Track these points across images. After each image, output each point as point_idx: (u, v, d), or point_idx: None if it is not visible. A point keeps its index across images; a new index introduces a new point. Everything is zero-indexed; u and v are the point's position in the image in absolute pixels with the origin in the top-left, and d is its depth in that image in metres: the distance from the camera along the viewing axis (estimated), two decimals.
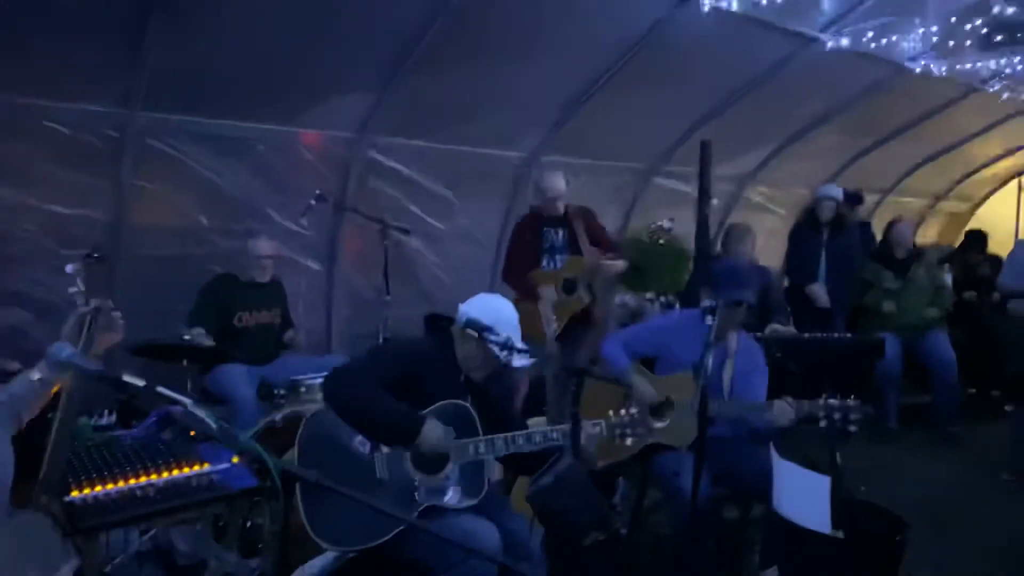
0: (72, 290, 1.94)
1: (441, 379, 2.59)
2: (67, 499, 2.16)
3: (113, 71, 3.75)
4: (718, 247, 5.62)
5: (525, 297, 4.45)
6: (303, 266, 5.07)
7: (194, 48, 3.75)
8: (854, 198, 6.35)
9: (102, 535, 2.30)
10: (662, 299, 6.32)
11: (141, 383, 1.53)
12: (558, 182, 4.46)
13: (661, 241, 6.08)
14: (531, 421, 3.73)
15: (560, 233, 4.54)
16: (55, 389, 1.84)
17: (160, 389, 1.52)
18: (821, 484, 2.29)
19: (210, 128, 4.29)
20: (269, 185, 4.69)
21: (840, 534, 2.40)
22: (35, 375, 1.81)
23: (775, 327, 4.75)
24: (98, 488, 2.25)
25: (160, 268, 4.41)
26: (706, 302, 3.29)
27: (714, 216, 6.19)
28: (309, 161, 4.79)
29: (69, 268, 1.97)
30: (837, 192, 5.83)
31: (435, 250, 5.51)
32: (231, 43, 3.83)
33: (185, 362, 3.67)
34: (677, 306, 5.95)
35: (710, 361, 2.95)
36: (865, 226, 6.91)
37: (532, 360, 2.57)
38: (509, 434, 2.54)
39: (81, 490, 2.22)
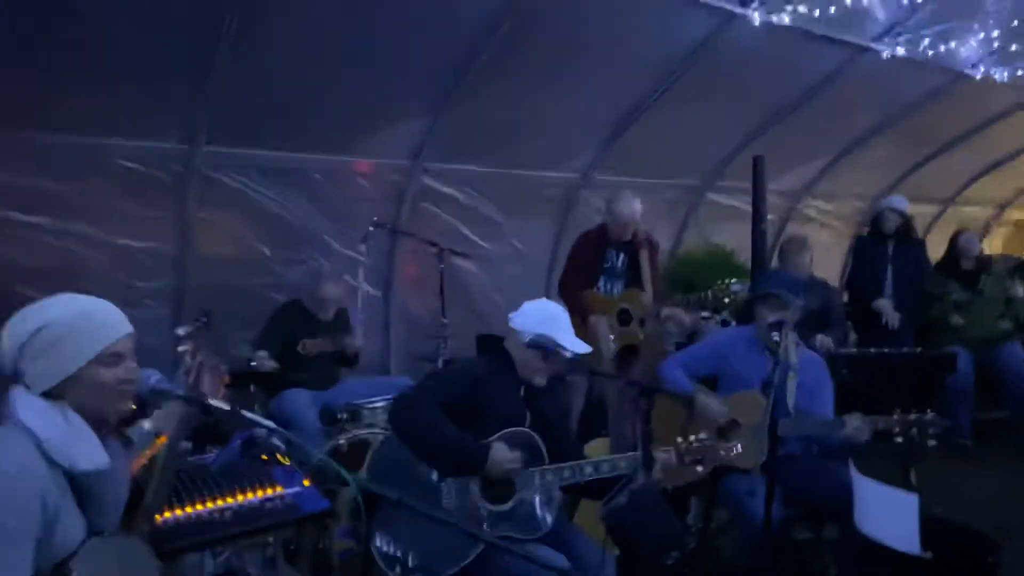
0: (181, 348, 2.07)
1: (502, 398, 2.60)
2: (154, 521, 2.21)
3: (177, 109, 3.90)
4: (775, 262, 5.52)
5: (575, 316, 4.42)
6: (362, 291, 5.15)
7: (252, 84, 3.87)
8: None
9: (181, 558, 2.34)
10: (718, 316, 6.22)
11: (226, 406, 1.57)
12: (633, 208, 4.34)
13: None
14: (591, 444, 3.70)
15: (622, 258, 4.45)
16: (162, 439, 1.93)
17: (245, 412, 1.55)
18: (909, 503, 2.20)
19: (269, 160, 4.42)
20: (326, 213, 4.79)
21: (929, 555, 2.30)
22: (147, 425, 1.97)
23: (822, 338, 4.57)
24: (178, 512, 2.29)
25: (224, 298, 4.51)
26: (772, 318, 3.25)
27: (770, 232, 6.09)
28: (364, 189, 4.90)
29: (180, 330, 2.11)
30: (903, 203, 5.67)
31: (488, 272, 5.55)
32: (286, 77, 3.95)
33: (252, 388, 3.75)
34: (733, 324, 5.84)
35: (772, 377, 2.89)
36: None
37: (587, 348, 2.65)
38: (576, 463, 2.52)
39: (163, 514, 2.27)
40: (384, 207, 4.93)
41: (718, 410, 3.24)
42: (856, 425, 2.92)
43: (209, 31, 3.52)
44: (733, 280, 4.25)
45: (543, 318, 2.64)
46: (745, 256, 6.02)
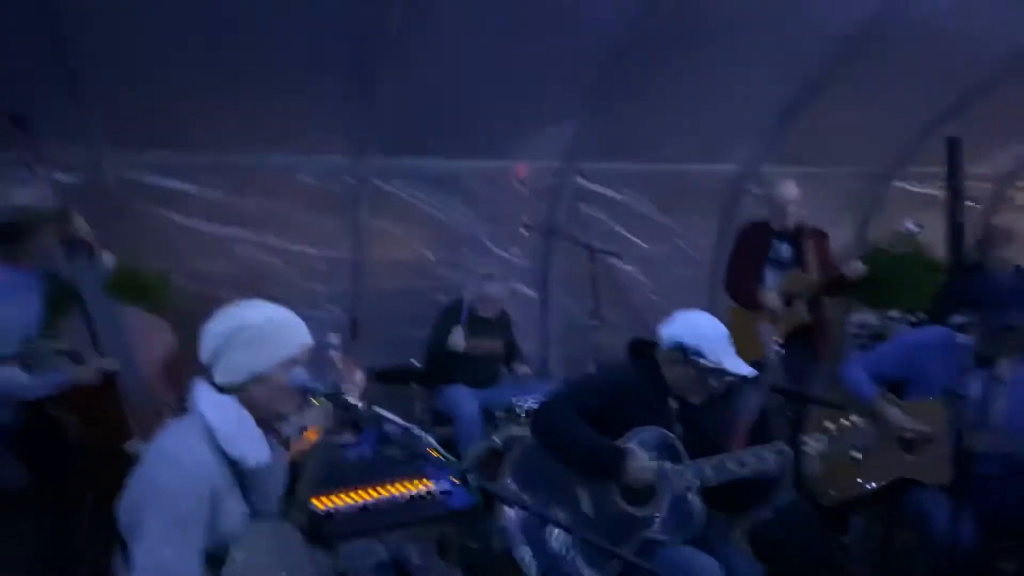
0: (331, 353, 2.25)
1: (648, 406, 2.48)
2: (310, 508, 2.40)
3: (346, 126, 4.21)
4: (974, 255, 4.90)
5: (745, 307, 4.25)
6: (518, 293, 5.25)
7: (412, 97, 4.09)
8: None
9: (341, 544, 2.52)
10: (911, 317, 5.63)
11: (362, 404, 1.66)
12: (789, 189, 4.28)
13: (904, 250, 5.39)
14: None
15: (788, 247, 4.29)
16: (310, 433, 2.09)
17: (378, 410, 1.63)
18: None
19: (429, 168, 4.64)
20: (482, 217, 4.94)
21: None
22: (297, 421, 2.08)
23: None
24: (338, 501, 2.47)
25: (394, 300, 4.81)
26: (958, 318, 2.89)
27: (971, 221, 5.43)
28: (519, 191, 4.98)
29: (332, 338, 2.33)
30: None
31: (647, 272, 5.43)
32: (440, 86, 4.12)
33: (414, 384, 3.94)
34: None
35: (972, 387, 2.55)
36: None
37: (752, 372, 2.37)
38: (716, 457, 2.35)
39: (321, 501, 2.45)
40: (539, 208, 4.99)
41: (903, 419, 2.93)
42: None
43: (367, 57, 3.78)
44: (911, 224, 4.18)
45: (698, 334, 2.43)
46: (941, 249, 5.43)
